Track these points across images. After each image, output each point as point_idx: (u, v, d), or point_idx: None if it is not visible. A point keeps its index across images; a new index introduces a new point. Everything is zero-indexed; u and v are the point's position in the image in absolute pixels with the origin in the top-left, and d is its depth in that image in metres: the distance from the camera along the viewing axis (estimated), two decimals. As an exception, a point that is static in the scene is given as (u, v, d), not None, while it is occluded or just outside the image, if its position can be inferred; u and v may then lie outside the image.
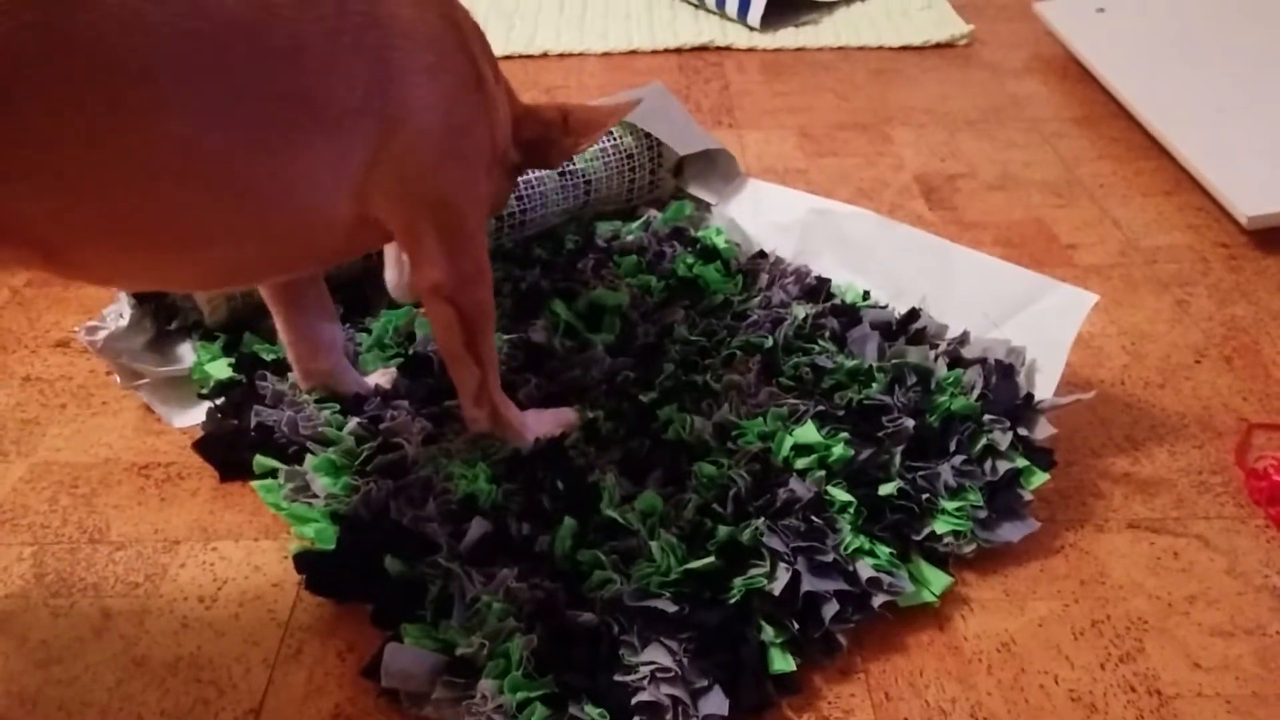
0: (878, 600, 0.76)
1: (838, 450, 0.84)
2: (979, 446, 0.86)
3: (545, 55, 1.75)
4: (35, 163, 0.59)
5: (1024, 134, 1.48)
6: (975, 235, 1.24)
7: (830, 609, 0.74)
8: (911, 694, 0.72)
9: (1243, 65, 1.46)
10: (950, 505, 0.82)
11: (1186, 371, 1.02)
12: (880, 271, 1.08)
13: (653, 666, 0.69)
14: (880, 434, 0.86)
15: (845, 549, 0.78)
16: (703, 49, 1.76)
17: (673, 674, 0.69)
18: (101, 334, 0.96)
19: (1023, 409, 0.89)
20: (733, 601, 0.74)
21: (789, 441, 0.86)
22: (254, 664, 0.75)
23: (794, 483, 0.81)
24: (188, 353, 1.01)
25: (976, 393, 0.90)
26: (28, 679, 0.74)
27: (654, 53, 1.75)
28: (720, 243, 1.14)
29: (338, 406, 0.92)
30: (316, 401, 0.92)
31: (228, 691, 0.73)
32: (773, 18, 1.80)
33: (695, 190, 1.25)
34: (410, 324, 1.03)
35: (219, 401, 0.95)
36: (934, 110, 1.55)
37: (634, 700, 0.68)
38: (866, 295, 1.07)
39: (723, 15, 1.86)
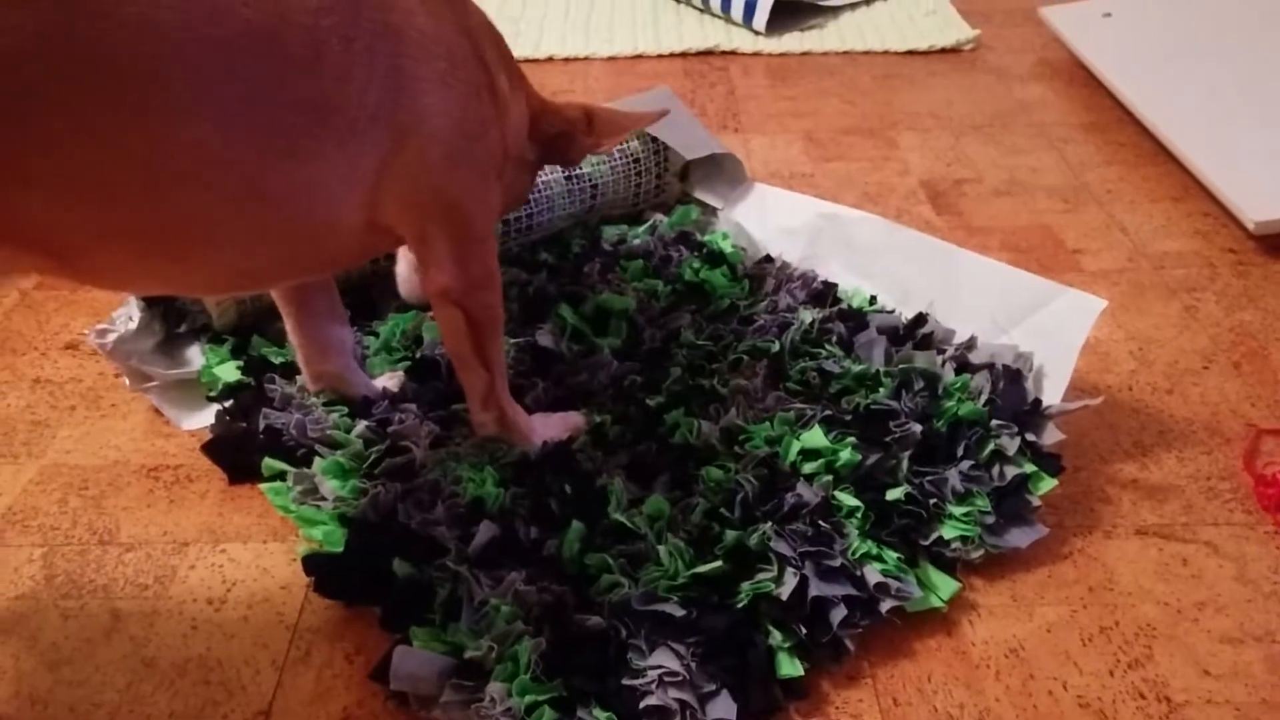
0: (885, 605, 0.76)
1: (845, 455, 0.84)
2: (987, 452, 0.86)
3: (550, 59, 1.75)
4: (49, 168, 0.59)
5: (1030, 139, 1.48)
6: (982, 240, 1.23)
7: (838, 614, 0.74)
8: (919, 699, 0.72)
9: (1250, 71, 1.46)
10: (958, 510, 0.82)
11: (1195, 377, 1.02)
12: (887, 276, 1.08)
13: (661, 670, 0.70)
14: (888, 439, 0.86)
15: (853, 554, 0.78)
16: (708, 53, 1.76)
17: (680, 678, 0.69)
18: (111, 336, 0.96)
19: (1031, 414, 0.89)
20: (740, 606, 0.74)
21: (796, 446, 0.86)
22: (263, 666, 0.75)
23: (801, 487, 0.81)
24: (196, 355, 1.01)
25: (984, 398, 0.90)
26: (38, 680, 0.74)
27: (659, 57, 1.75)
28: (727, 247, 1.14)
29: (346, 409, 0.92)
30: (325, 404, 0.93)
31: (237, 693, 0.73)
32: (778, 22, 1.80)
33: (701, 195, 1.25)
34: (418, 327, 1.03)
35: (228, 404, 0.95)
36: (940, 115, 1.55)
37: (642, 704, 0.68)
38: (873, 300, 1.07)
39: (728, 20, 1.86)
